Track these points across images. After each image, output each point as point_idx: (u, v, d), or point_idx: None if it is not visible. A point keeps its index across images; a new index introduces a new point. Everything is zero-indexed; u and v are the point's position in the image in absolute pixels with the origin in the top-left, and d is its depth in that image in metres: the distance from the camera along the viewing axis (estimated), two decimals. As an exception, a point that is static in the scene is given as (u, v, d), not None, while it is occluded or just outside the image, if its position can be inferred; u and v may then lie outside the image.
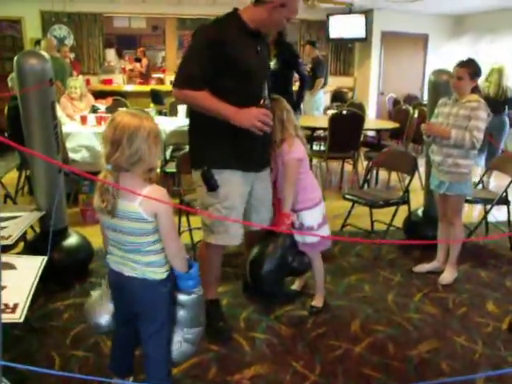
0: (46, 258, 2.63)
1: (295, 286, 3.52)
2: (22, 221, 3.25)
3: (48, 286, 3.41)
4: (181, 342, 2.08)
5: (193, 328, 2.09)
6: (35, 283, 2.47)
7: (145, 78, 10.57)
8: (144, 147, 1.83)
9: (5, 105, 5.13)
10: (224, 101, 2.55)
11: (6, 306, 2.21)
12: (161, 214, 1.86)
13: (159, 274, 1.97)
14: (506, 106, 6.23)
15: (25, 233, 3.65)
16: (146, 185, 1.88)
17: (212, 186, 2.67)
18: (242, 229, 2.87)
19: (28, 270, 2.60)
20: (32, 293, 2.37)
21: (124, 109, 2.13)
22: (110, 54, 10.19)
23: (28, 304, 2.26)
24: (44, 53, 3.42)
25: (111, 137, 1.83)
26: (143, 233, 1.90)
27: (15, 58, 3.25)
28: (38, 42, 7.74)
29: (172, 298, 2.04)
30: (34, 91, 3.21)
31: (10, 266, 2.61)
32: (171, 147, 5.50)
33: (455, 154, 3.46)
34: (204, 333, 2.20)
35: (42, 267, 2.64)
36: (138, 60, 11.22)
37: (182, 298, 2.02)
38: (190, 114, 2.84)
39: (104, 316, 2.14)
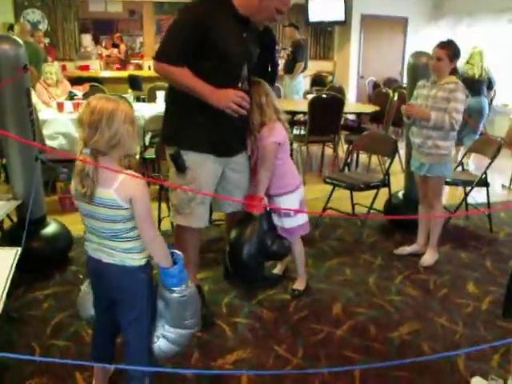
0: (20, 249, 2.57)
1: (277, 269, 3.53)
2: (-3, 209, 3.19)
3: (27, 275, 3.37)
4: (159, 337, 2.05)
5: (175, 328, 2.04)
6: (10, 275, 2.41)
7: (123, 63, 10.41)
8: (122, 130, 1.82)
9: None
10: (203, 81, 2.52)
11: (-18, 298, 2.17)
12: (136, 199, 1.83)
13: (137, 260, 1.95)
14: (485, 88, 6.33)
15: (1, 222, 3.60)
16: (122, 170, 1.86)
17: (180, 167, 2.65)
18: (208, 212, 2.86)
19: (2, 261, 2.54)
20: (8, 285, 2.32)
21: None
22: (86, 39, 10.00)
23: (4, 296, 2.22)
24: (17, 38, 3.34)
25: (89, 120, 1.80)
26: (120, 219, 1.87)
27: None
28: (10, 27, 7.58)
29: (152, 286, 2.02)
30: (6, 78, 3.14)
31: None
32: (150, 133, 5.43)
33: (435, 136, 3.47)
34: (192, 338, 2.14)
35: (17, 258, 2.59)
36: (116, 46, 11.05)
37: (164, 293, 1.99)
38: (168, 91, 2.80)
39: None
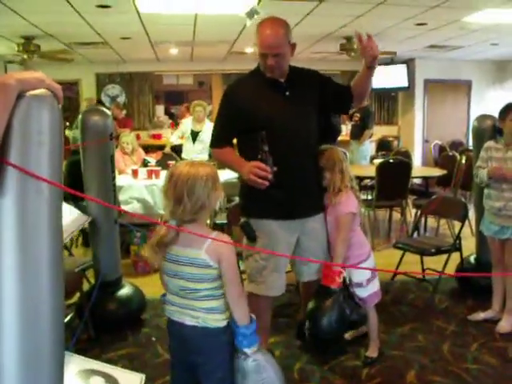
0: (143, 376, 2.33)
1: (347, 335, 3.48)
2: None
3: (102, 336, 3.49)
4: None
5: None
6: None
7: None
8: (204, 194, 1.91)
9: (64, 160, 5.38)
10: (245, 154, 2.67)
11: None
12: (225, 258, 1.91)
13: (219, 320, 1.98)
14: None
15: (80, 283, 3.75)
16: (212, 232, 1.97)
17: (249, 236, 2.68)
18: (282, 280, 2.85)
19: None
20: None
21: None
22: (159, 109, 10.58)
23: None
24: (105, 110, 3.63)
25: (173, 193, 1.91)
26: (207, 278, 1.93)
27: (79, 116, 3.53)
28: (98, 103, 8.17)
29: (233, 349, 2.03)
30: (95, 145, 3.42)
31: (114, 381, 2.32)
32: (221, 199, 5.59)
33: None
34: None
35: None
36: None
37: (240, 363, 1.98)
38: None
39: None
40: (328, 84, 2.85)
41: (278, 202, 2.68)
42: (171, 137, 6.63)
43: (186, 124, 7.19)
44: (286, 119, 2.68)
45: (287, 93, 2.71)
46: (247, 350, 1.96)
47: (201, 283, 1.95)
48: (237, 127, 2.71)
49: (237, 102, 2.69)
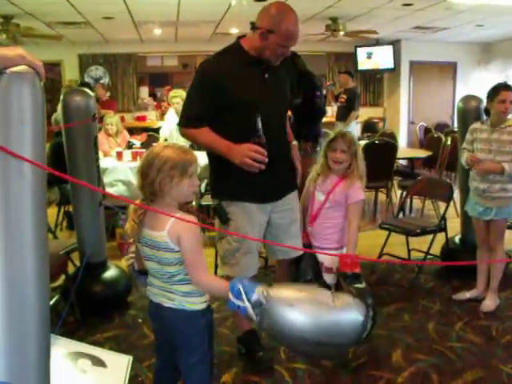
0: (131, 357, 2.37)
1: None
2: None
3: (88, 318, 3.48)
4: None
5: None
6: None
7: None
8: (156, 177, 1.84)
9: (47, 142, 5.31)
10: (225, 135, 2.56)
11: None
12: (183, 241, 1.83)
13: (197, 304, 1.96)
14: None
15: (65, 265, 3.73)
16: (176, 213, 1.86)
17: (222, 219, 2.65)
18: (256, 260, 2.83)
19: (117, 370, 2.33)
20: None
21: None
22: (144, 91, 10.48)
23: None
24: (88, 90, 3.58)
25: (140, 167, 1.90)
26: (172, 262, 1.89)
27: (61, 96, 3.46)
28: (81, 85, 7.98)
29: (212, 331, 2.03)
30: (78, 126, 3.37)
31: (101, 363, 2.33)
32: (205, 180, 5.57)
33: (502, 180, 3.43)
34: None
35: (130, 366, 2.35)
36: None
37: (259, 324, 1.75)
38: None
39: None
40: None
41: (252, 184, 2.63)
42: (162, 131, 6.37)
43: (170, 119, 6.54)
44: (267, 101, 2.63)
45: (266, 75, 2.66)
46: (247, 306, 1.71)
47: (172, 266, 1.90)
48: (216, 106, 2.57)
49: (216, 79, 2.56)
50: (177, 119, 6.23)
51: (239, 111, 2.57)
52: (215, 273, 3.94)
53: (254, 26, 2.58)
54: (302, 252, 2.92)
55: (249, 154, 2.47)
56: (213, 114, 2.59)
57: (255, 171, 2.51)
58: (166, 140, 6.07)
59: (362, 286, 2.62)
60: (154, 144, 1.96)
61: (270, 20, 2.51)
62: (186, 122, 2.66)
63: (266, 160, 2.49)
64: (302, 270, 3.00)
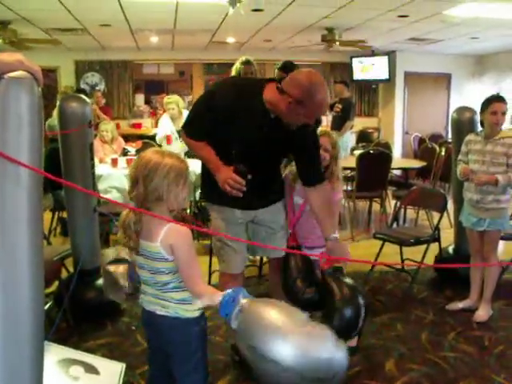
0: (124, 365, 2.42)
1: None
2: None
3: (81, 324, 3.46)
4: None
5: None
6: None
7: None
8: (162, 185, 1.84)
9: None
10: (215, 150, 2.67)
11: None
12: (176, 247, 1.83)
13: (191, 311, 1.95)
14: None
15: (59, 271, 3.72)
16: (167, 223, 1.85)
17: (204, 219, 2.80)
18: (240, 258, 2.91)
19: (110, 377, 2.37)
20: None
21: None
22: (139, 98, 10.48)
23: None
24: (84, 97, 3.58)
25: (131, 174, 1.89)
26: (168, 272, 1.89)
27: (58, 102, 3.48)
28: (78, 91, 7.96)
29: (206, 339, 2.02)
30: (74, 133, 3.38)
31: (94, 370, 2.33)
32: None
33: (495, 191, 3.45)
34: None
35: (123, 373, 2.40)
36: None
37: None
38: None
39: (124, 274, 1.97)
40: (302, 153, 2.80)
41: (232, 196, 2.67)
42: (158, 137, 6.31)
43: (165, 124, 6.40)
44: (257, 145, 2.63)
45: (265, 129, 2.60)
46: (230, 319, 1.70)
47: (166, 275, 1.90)
48: (210, 127, 2.64)
49: (222, 106, 2.58)
50: (171, 125, 6.32)
51: (224, 145, 2.65)
52: (209, 278, 3.95)
53: (281, 90, 2.48)
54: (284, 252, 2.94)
55: (229, 182, 2.57)
56: (210, 131, 2.67)
57: (233, 194, 2.60)
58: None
59: (351, 281, 2.61)
60: (144, 152, 1.94)
61: (302, 91, 2.42)
62: (189, 131, 2.77)
63: (244, 189, 2.58)
64: (291, 271, 3.00)
